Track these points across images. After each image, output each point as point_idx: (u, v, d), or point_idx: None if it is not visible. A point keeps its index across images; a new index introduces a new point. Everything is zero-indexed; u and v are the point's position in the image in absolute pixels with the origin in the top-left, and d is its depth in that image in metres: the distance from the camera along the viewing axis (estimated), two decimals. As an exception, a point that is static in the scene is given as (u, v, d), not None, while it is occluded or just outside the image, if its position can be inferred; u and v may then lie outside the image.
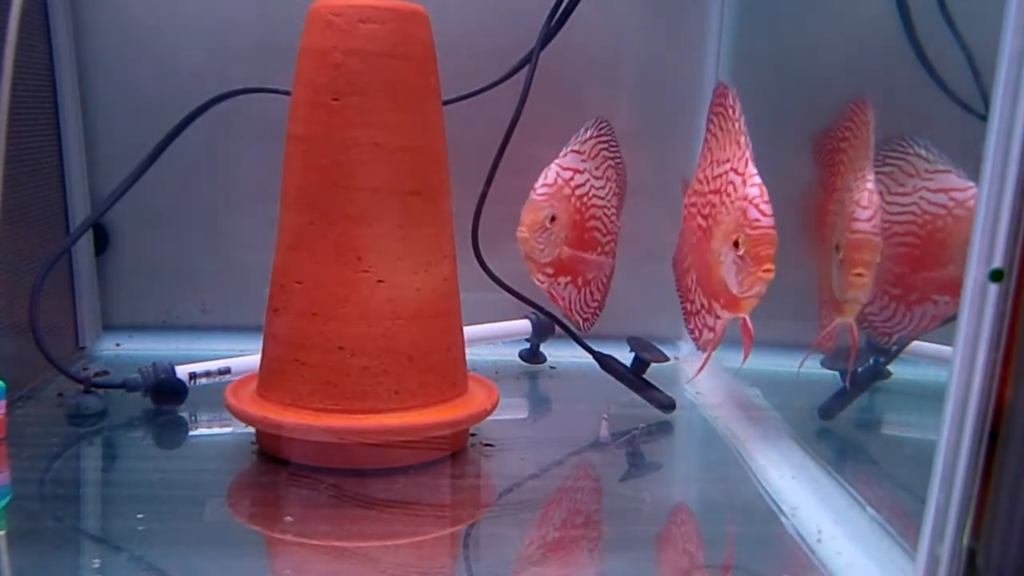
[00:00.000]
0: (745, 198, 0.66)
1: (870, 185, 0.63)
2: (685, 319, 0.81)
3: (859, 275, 0.63)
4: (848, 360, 0.69)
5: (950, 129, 0.64)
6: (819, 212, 0.75)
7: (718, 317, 0.73)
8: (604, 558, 0.57)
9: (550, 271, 0.80)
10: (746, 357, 0.70)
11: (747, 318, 0.69)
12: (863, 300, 0.65)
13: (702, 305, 0.76)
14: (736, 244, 0.66)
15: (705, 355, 0.75)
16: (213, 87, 0.82)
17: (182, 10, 0.90)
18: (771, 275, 0.64)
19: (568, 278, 0.82)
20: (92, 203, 0.90)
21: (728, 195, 0.69)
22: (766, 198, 0.65)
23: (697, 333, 0.78)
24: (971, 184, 0.63)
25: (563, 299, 0.82)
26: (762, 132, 0.87)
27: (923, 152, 0.67)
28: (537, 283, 0.80)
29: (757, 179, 0.66)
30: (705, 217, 0.74)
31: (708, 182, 0.74)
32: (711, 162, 0.75)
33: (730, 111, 0.72)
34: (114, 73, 0.90)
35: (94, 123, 0.91)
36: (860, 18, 0.76)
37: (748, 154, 0.68)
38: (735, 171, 0.69)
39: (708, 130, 0.77)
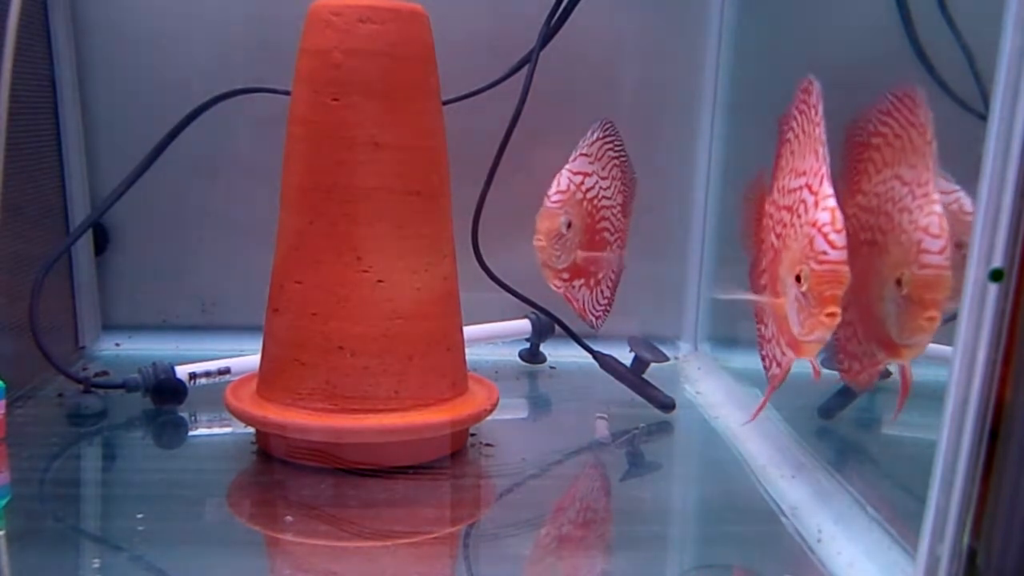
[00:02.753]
0: (814, 224, 0.57)
1: (938, 208, 0.54)
2: (759, 343, 0.71)
3: (931, 319, 0.53)
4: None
5: (950, 129, 0.64)
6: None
7: (784, 353, 0.64)
8: (604, 558, 0.57)
9: (566, 276, 0.81)
10: (818, 375, 0.63)
11: (814, 361, 0.61)
12: (927, 344, 0.56)
13: (773, 334, 0.67)
14: (798, 278, 0.57)
15: (765, 394, 0.67)
16: (213, 87, 0.82)
17: (182, 10, 0.90)
18: (836, 320, 0.55)
19: (582, 280, 0.83)
20: (92, 203, 0.90)
21: (799, 215, 0.60)
22: (839, 226, 0.56)
23: (767, 363, 0.69)
24: (956, 188, 0.60)
25: (578, 301, 0.83)
26: (762, 131, 0.86)
27: None
28: (554, 288, 0.81)
29: (831, 201, 0.57)
30: (778, 236, 0.64)
31: (784, 194, 0.65)
32: (789, 171, 0.65)
33: (812, 112, 0.62)
34: (114, 73, 0.90)
35: (94, 123, 0.91)
36: (860, 18, 0.76)
37: (824, 169, 0.58)
38: (809, 188, 0.59)
39: (792, 130, 0.66)
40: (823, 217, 0.56)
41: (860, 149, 0.63)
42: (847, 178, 0.64)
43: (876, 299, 0.58)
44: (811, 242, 0.56)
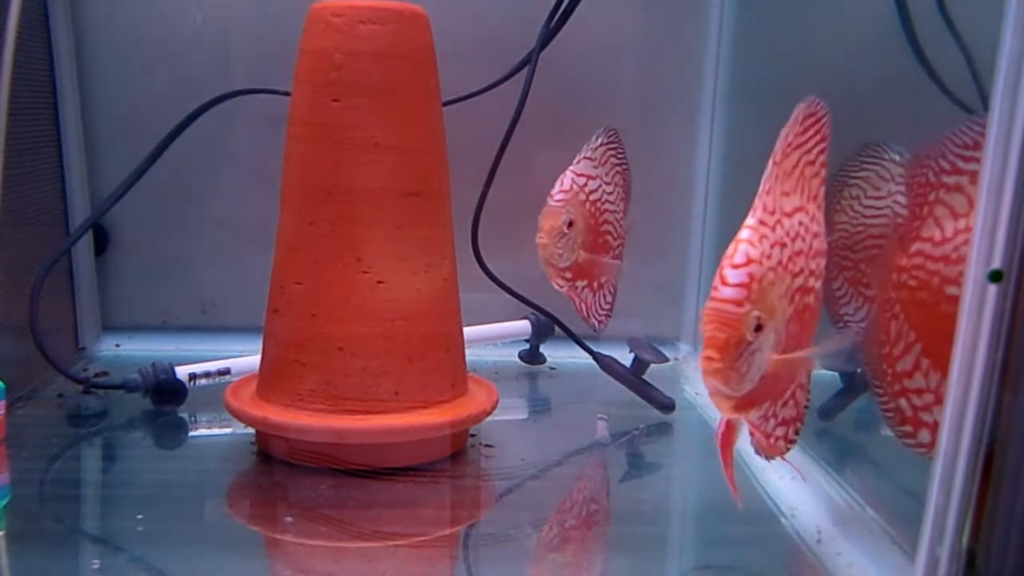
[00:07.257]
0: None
1: None
2: None
3: None
4: (849, 361, 0.66)
5: (949, 129, 0.64)
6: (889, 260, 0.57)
7: None
8: (604, 558, 0.57)
9: (568, 275, 0.81)
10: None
11: (748, 421, 0.52)
12: None
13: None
14: None
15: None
16: (213, 87, 0.82)
17: (182, 10, 0.90)
18: (714, 366, 0.46)
19: (585, 282, 0.83)
20: (92, 203, 0.90)
21: None
22: (738, 260, 0.47)
23: None
24: None
25: (581, 302, 0.83)
26: (760, 133, 0.86)
27: (896, 158, 0.65)
28: (556, 287, 0.81)
29: (744, 232, 0.48)
30: None
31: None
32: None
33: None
34: (114, 73, 0.90)
35: (94, 123, 0.91)
36: (859, 18, 0.76)
37: (760, 199, 0.49)
38: None
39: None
40: (730, 248, 0.48)
41: (922, 191, 0.54)
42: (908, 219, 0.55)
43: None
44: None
